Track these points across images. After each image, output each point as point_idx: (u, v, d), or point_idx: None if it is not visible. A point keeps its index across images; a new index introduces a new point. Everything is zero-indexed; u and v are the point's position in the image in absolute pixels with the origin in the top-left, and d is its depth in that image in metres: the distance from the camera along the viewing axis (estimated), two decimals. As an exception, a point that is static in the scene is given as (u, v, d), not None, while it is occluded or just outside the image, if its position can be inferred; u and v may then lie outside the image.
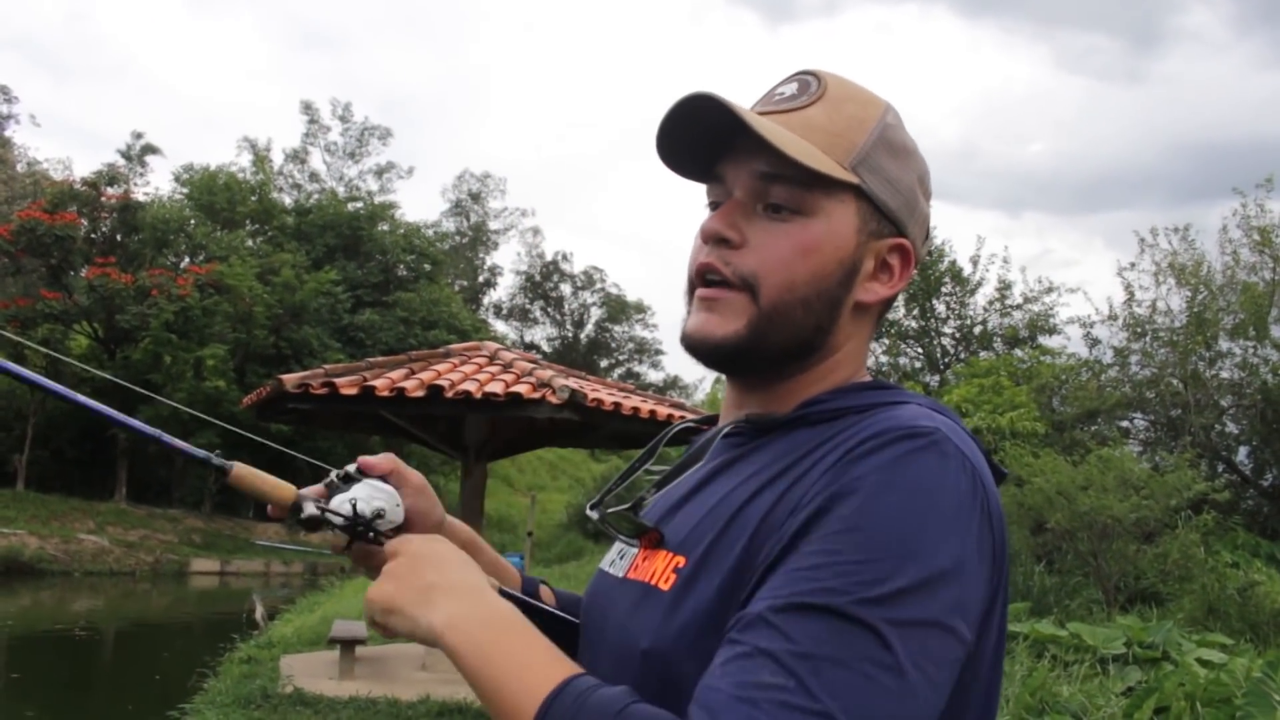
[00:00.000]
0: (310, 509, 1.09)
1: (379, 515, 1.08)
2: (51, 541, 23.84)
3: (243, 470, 1.10)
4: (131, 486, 28.31)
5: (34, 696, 11.57)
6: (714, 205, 1.04)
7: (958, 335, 23.92)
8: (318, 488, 1.12)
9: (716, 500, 0.99)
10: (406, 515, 1.13)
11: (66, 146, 74.59)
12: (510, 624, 0.94)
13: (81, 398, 1.11)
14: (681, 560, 0.97)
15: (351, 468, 1.12)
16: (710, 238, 1.00)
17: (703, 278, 1.01)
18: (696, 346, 1.02)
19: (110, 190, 28.77)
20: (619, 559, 1.09)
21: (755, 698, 0.78)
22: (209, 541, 27.22)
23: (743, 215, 0.99)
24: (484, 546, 1.24)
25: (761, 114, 1.00)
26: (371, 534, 1.09)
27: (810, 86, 1.03)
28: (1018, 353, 22.07)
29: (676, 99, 0.97)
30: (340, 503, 1.08)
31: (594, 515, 1.14)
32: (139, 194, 30.27)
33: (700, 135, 1.01)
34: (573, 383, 8.45)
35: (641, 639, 0.95)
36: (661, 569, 0.99)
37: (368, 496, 1.09)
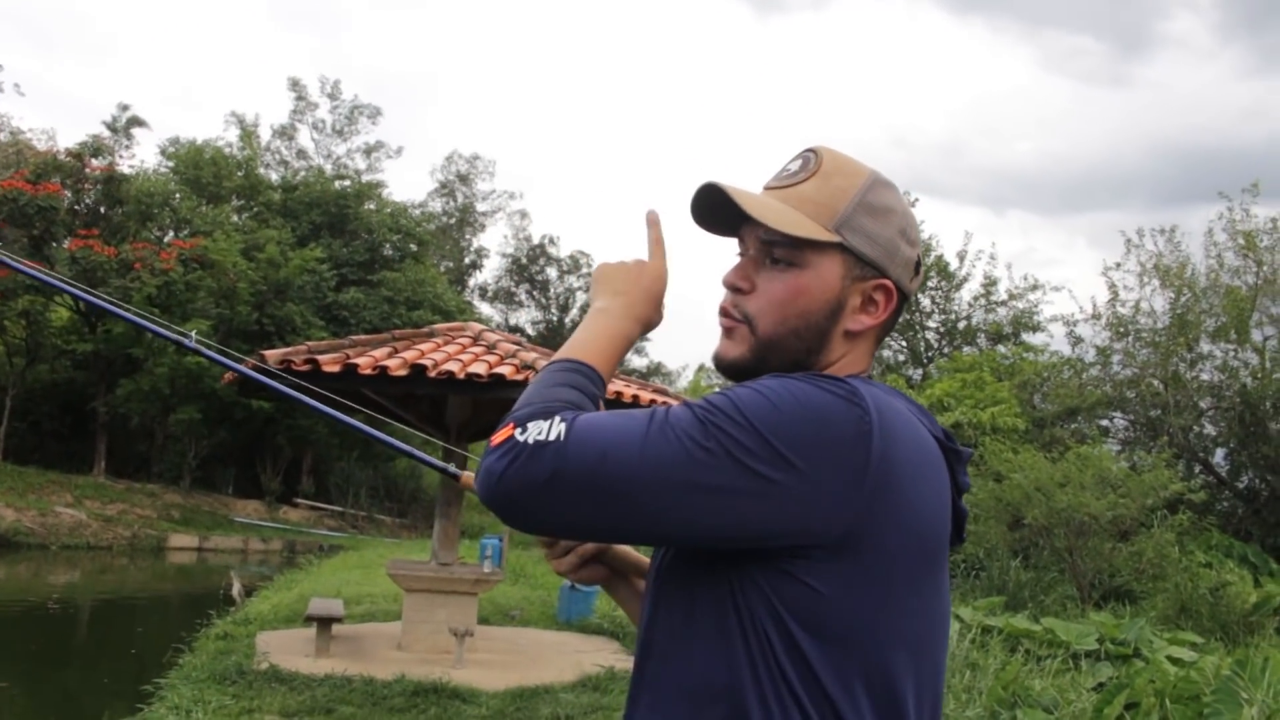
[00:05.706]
0: None
1: None
2: (28, 514, 23.70)
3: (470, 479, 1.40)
4: (111, 460, 28.19)
5: (4, 669, 11.51)
6: (741, 255, 1.34)
7: (942, 330, 24.02)
8: None
9: None
10: None
11: (51, 117, 73.72)
12: (612, 334, 1.33)
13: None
14: None
15: None
16: (727, 286, 1.32)
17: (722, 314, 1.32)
18: (718, 365, 1.33)
19: (95, 162, 28.50)
20: None
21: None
22: (187, 517, 27.09)
23: (754, 267, 1.30)
24: None
25: (769, 189, 1.32)
26: None
27: (809, 163, 1.31)
28: (1001, 349, 22.16)
29: (697, 189, 1.29)
30: None
31: None
32: (124, 166, 30.02)
33: (722, 207, 1.29)
34: (556, 367, 8.43)
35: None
36: None
37: None
